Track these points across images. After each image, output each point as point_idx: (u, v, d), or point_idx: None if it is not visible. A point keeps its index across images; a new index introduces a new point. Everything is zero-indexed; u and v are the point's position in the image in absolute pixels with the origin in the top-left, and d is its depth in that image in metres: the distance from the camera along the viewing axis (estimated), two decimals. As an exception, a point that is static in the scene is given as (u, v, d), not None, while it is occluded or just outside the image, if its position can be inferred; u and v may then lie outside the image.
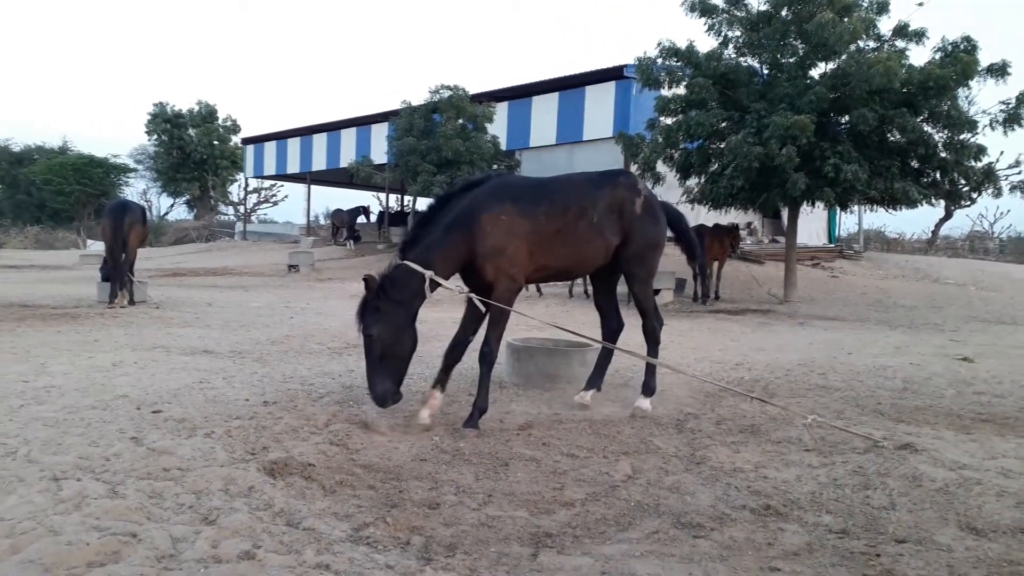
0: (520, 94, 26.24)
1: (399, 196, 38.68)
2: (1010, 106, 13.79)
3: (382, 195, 38.60)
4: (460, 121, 22.48)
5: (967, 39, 14.05)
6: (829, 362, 8.33)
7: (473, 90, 24.01)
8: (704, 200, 16.16)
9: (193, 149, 50.95)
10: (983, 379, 7.24)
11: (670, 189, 16.90)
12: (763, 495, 3.73)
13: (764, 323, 12.86)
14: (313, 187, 40.62)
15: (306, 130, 36.97)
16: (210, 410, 5.20)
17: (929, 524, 3.38)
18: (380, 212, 37.89)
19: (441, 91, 22.71)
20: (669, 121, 16.01)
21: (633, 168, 17.40)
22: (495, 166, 23.81)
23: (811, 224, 26.17)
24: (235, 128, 52.82)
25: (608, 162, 20.35)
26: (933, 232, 35.92)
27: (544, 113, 25.56)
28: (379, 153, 28.94)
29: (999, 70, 13.89)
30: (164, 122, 51.06)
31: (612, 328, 6.09)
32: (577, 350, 6.70)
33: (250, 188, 49.19)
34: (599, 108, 23.72)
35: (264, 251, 33.09)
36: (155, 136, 51.78)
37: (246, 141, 42.91)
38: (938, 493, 3.81)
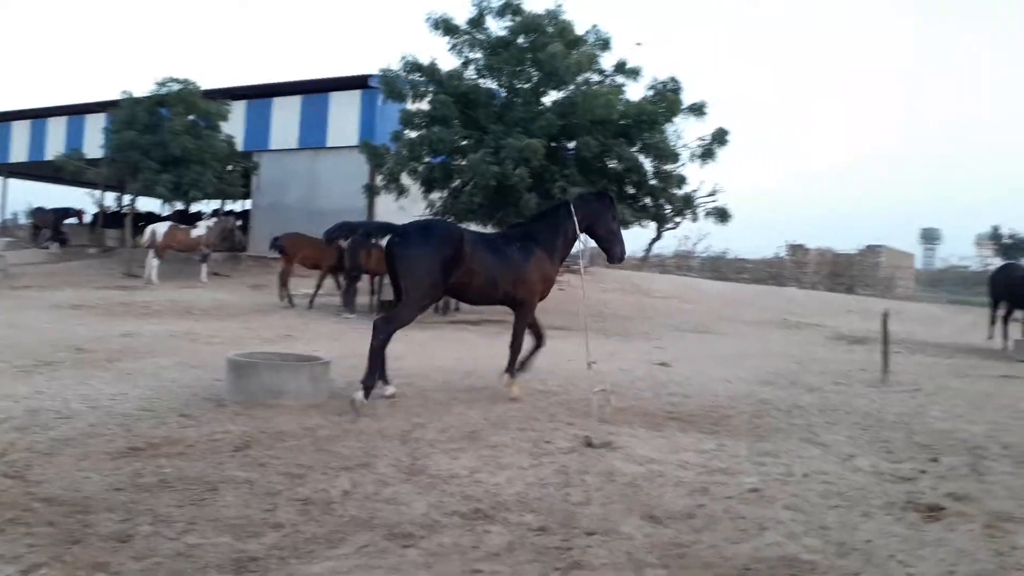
0: (260, 94, 25.08)
1: (118, 195, 34.96)
2: (706, 142, 15.80)
3: (98, 193, 34.65)
4: (191, 117, 20.93)
5: (673, 79, 15.87)
6: (551, 368, 8.91)
7: (208, 86, 22.49)
8: (446, 214, 16.57)
9: None
10: (676, 381, 8.18)
11: (414, 202, 17.13)
12: (474, 499, 3.88)
13: (501, 332, 13.42)
14: (11, 180, 35.48)
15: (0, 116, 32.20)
16: None
17: (616, 516, 3.74)
18: (95, 213, 33.98)
19: (169, 84, 20.99)
20: (413, 134, 16.23)
21: (378, 179, 17.39)
22: (229, 167, 22.48)
23: (545, 240, 27.91)
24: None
25: (352, 170, 20.15)
26: (646, 251, 40.04)
27: (286, 116, 24.66)
28: (94, 147, 26.01)
29: (698, 109, 15.85)
30: None
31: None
32: (306, 364, 6.51)
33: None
34: (344, 115, 23.40)
35: (-55, 252, 28.24)
36: None
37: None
38: (627, 487, 4.23)
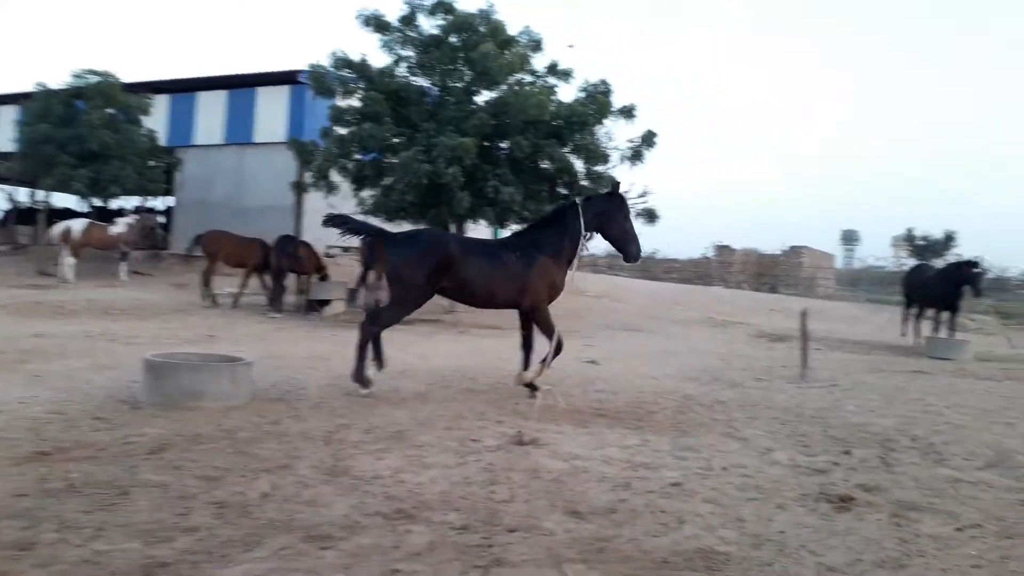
0: (184, 88, 24.31)
1: (32, 191, 33.34)
2: (635, 144, 16.05)
3: (10, 188, 32.99)
4: (110, 111, 20.13)
5: (604, 82, 16.07)
6: (482, 367, 8.92)
7: (128, 79, 21.69)
8: (377, 212, 16.41)
9: None
10: (604, 379, 8.29)
11: (344, 199, 16.89)
12: (397, 500, 3.84)
13: (431, 332, 13.41)
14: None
15: None
16: None
17: (540, 512, 3.76)
18: (8, 210, 32.35)
19: (87, 76, 20.15)
20: (343, 131, 16.01)
21: (307, 176, 17.09)
22: (151, 163, 21.73)
23: (479, 240, 27.89)
24: None
25: (280, 167, 19.76)
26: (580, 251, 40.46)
27: (211, 111, 23.97)
28: (4, 140, 24.79)
29: (628, 112, 16.10)
30: None
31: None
32: (226, 365, 6.34)
33: None
34: (272, 111, 22.90)
35: None
36: None
37: None
38: (552, 483, 4.25)
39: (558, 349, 7.04)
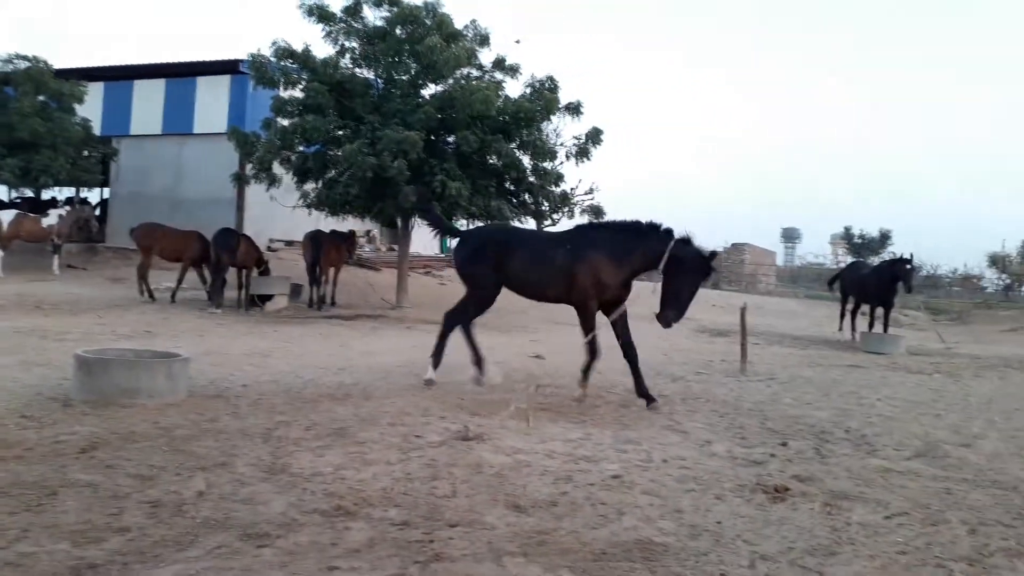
0: (120, 76, 23.52)
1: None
2: (580, 141, 16.14)
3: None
4: (41, 98, 19.37)
5: (551, 78, 16.09)
6: (426, 363, 8.85)
7: (60, 65, 20.89)
8: (321, 206, 16.19)
9: None
10: (549, 373, 8.34)
11: (287, 192, 16.61)
12: (337, 496, 3.80)
13: (375, 328, 13.27)
14: None
15: None
16: None
17: (481, 506, 3.76)
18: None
19: (16, 61, 19.35)
20: (286, 122, 15.72)
21: (248, 168, 16.75)
22: (85, 153, 21.00)
23: (425, 235, 27.63)
24: None
25: (221, 158, 19.30)
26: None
27: (149, 100, 23.25)
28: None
29: (575, 109, 16.19)
30: None
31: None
32: (162, 361, 6.17)
33: None
34: (212, 101, 22.33)
35: None
36: None
37: None
38: (494, 477, 4.26)
39: (592, 355, 6.95)
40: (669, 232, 6.72)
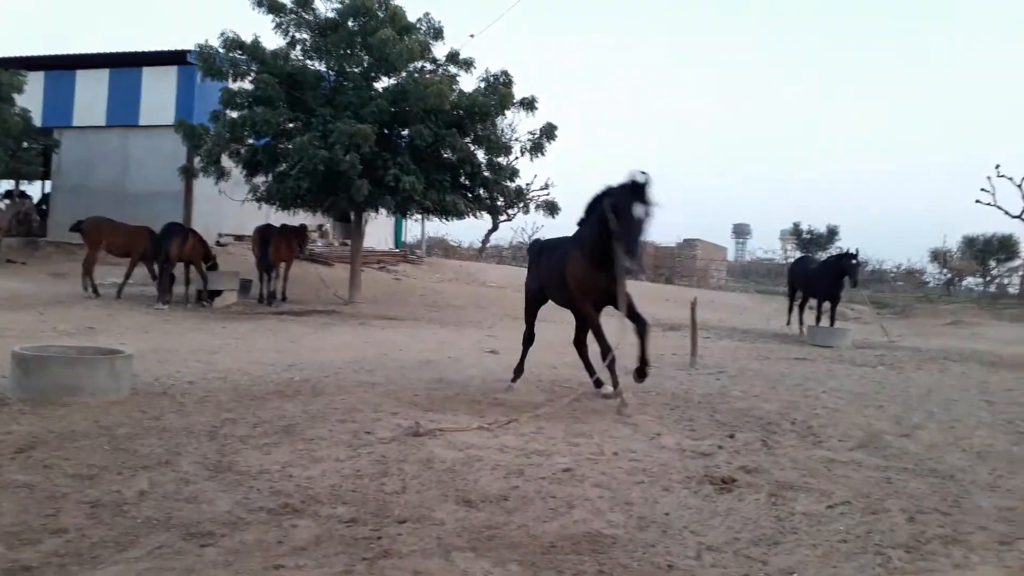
0: (61, 65, 22.76)
1: None
2: (535, 136, 16.18)
3: None
4: (-23, 87, 18.69)
5: (505, 73, 16.11)
6: (379, 359, 8.80)
7: (-2, 53, 20.18)
8: (271, 199, 15.94)
9: None
10: (504, 368, 8.32)
11: (236, 185, 16.30)
12: (284, 494, 3.74)
13: (327, 324, 13.12)
14: None
15: None
16: None
17: (431, 502, 3.74)
18: None
19: (-50, 48, 18.66)
20: (235, 115, 15.43)
21: (196, 161, 16.40)
22: (25, 144, 20.30)
23: (379, 229, 27.49)
24: None
25: (168, 151, 18.85)
26: (483, 241, 40.63)
27: (92, 90, 22.55)
28: None
29: (529, 104, 16.21)
30: None
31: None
32: (104, 358, 6.00)
33: None
34: (158, 92, 21.75)
35: None
36: None
37: None
38: (445, 473, 4.24)
39: (603, 355, 6.55)
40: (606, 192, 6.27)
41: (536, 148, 16.15)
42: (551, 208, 16.77)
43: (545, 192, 18.05)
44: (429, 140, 14.86)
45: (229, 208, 17.94)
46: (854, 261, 14.70)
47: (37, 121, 21.10)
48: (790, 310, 16.53)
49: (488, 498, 3.86)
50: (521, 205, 17.04)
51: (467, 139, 15.73)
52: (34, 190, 28.28)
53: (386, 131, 15.23)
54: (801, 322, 15.81)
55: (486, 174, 16.25)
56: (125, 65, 22.34)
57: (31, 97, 20.77)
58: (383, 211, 16.82)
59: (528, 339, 7.63)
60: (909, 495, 4.29)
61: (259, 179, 16.05)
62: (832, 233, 47.71)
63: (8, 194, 24.00)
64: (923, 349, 13.37)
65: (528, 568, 3.03)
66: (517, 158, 16.31)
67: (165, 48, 21.30)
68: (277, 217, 17.55)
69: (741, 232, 77.69)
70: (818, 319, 15.18)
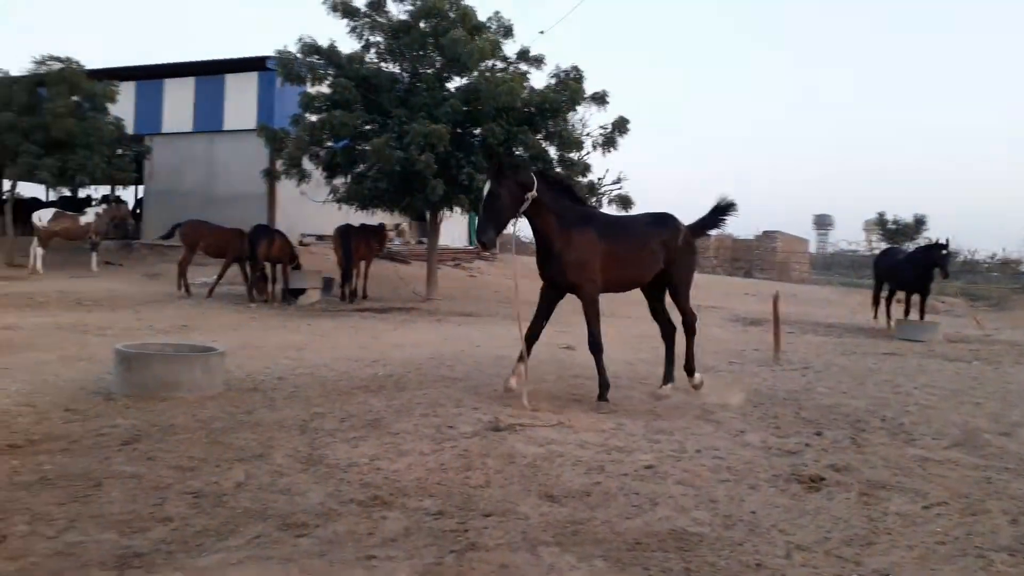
0: (150, 75, 23.87)
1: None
2: (607, 131, 16.06)
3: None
4: (74, 98, 19.72)
5: (576, 68, 16.02)
6: (458, 355, 8.93)
7: (92, 66, 21.23)
8: (350, 200, 16.30)
9: None
10: (579, 364, 8.33)
11: (317, 187, 16.75)
12: (373, 487, 3.85)
13: (406, 320, 13.36)
14: None
15: None
16: None
17: (515, 496, 3.79)
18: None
19: (49, 63, 19.71)
20: (314, 118, 15.84)
21: (279, 164, 16.92)
22: (119, 151, 21.35)
23: (454, 227, 27.81)
24: None
25: (252, 154, 19.50)
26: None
27: (179, 98, 23.58)
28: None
29: (600, 98, 16.09)
30: None
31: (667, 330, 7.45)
32: (200, 355, 6.28)
33: None
34: (241, 98, 22.58)
35: None
36: None
37: None
38: (527, 467, 4.28)
39: (591, 347, 6.74)
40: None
41: (608, 142, 16.02)
42: (624, 202, 16.62)
43: (618, 186, 17.84)
44: (501, 138, 14.91)
45: (311, 209, 18.44)
46: (944, 251, 14.06)
47: (129, 129, 22.21)
48: (876, 303, 15.93)
49: (571, 493, 3.88)
50: (594, 200, 16.93)
51: (539, 136, 15.73)
52: (128, 195, 29.77)
53: (459, 130, 15.37)
54: (889, 316, 15.23)
55: (558, 170, 16.21)
56: (209, 73, 23.27)
57: (123, 106, 21.86)
58: (457, 209, 17.00)
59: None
60: (1011, 496, 4.11)
61: (338, 180, 16.43)
62: (919, 223, 45.69)
63: (105, 199, 25.29)
64: (1021, 343, 12.71)
65: (614, 564, 3.04)
66: (589, 153, 16.23)
67: (246, 55, 22.04)
68: (356, 217, 17.95)
69: (823, 223, 75.26)
70: (907, 312, 14.60)
